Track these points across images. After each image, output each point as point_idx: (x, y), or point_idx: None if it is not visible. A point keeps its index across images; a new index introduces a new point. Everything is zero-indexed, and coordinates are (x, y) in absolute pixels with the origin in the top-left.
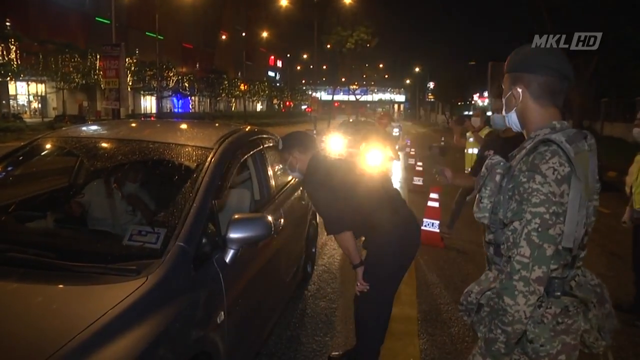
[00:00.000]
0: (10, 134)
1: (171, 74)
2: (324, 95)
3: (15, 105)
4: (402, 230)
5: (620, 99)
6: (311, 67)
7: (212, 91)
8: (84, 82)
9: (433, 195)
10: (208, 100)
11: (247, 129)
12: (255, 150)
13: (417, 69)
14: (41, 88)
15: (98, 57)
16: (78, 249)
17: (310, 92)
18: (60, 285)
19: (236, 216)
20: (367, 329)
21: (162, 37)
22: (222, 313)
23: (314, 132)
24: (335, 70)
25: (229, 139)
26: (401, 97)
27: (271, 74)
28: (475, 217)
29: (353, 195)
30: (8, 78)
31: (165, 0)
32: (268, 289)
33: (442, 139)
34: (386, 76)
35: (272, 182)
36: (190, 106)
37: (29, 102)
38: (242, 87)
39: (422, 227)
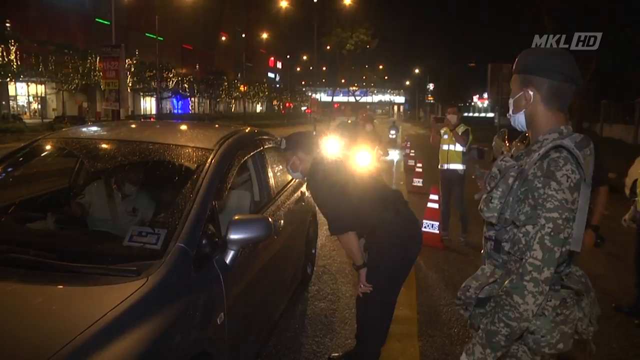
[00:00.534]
0: (10, 135)
1: (171, 75)
2: (323, 97)
3: (15, 106)
4: (404, 230)
5: (619, 101)
6: (311, 68)
7: (212, 92)
8: (83, 83)
9: (433, 197)
10: (208, 102)
11: (247, 130)
12: (255, 151)
13: (416, 71)
14: (41, 89)
15: (98, 58)
16: (78, 250)
17: (310, 94)
18: (61, 286)
19: (236, 217)
20: (368, 330)
21: (162, 39)
22: (222, 314)
23: (314, 133)
24: (335, 71)
25: (229, 140)
26: (401, 99)
27: (271, 75)
28: (482, 216)
29: (356, 195)
30: (8, 79)
31: (165, 1)
32: (268, 289)
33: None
34: (386, 78)
35: (272, 183)
36: (190, 107)
37: (29, 103)
38: (241, 88)
39: (422, 229)
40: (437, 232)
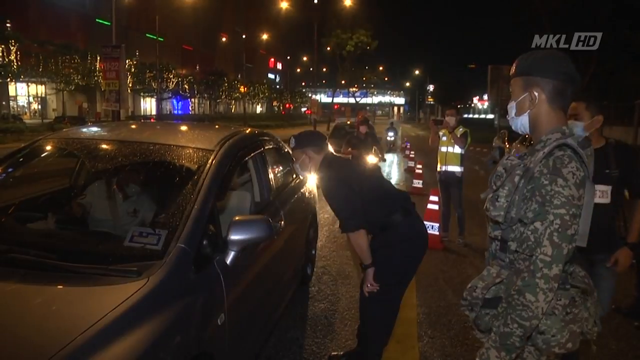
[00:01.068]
0: (10, 135)
1: (171, 76)
2: (323, 98)
3: (15, 106)
4: (412, 231)
5: (619, 103)
6: (311, 69)
7: (212, 93)
8: (84, 83)
9: (433, 198)
10: (208, 102)
11: (247, 131)
12: (255, 152)
13: (417, 72)
14: (41, 89)
15: (98, 58)
16: (79, 250)
17: (310, 95)
18: (62, 286)
19: (237, 218)
20: (372, 330)
21: (162, 39)
22: (223, 314)
23: None
24: (335, 72)
25: (229, 141)
26: (401, 100)
27: (271, 76)
28: (489, 215)
29: (365, 194)
30: (8, 79)
31: (166, 2)
32: (268, 290)
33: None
34: (386, 79)
35: (273, 184)
36: (190, 108)
37: (29, 103)
38: (242, 89)
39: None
40: (437, 233)
